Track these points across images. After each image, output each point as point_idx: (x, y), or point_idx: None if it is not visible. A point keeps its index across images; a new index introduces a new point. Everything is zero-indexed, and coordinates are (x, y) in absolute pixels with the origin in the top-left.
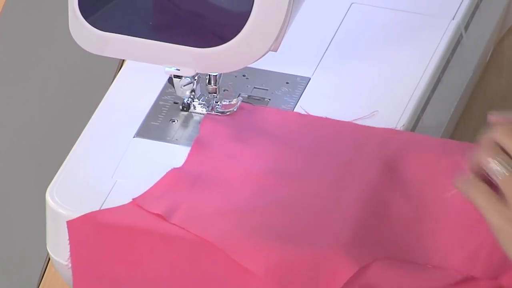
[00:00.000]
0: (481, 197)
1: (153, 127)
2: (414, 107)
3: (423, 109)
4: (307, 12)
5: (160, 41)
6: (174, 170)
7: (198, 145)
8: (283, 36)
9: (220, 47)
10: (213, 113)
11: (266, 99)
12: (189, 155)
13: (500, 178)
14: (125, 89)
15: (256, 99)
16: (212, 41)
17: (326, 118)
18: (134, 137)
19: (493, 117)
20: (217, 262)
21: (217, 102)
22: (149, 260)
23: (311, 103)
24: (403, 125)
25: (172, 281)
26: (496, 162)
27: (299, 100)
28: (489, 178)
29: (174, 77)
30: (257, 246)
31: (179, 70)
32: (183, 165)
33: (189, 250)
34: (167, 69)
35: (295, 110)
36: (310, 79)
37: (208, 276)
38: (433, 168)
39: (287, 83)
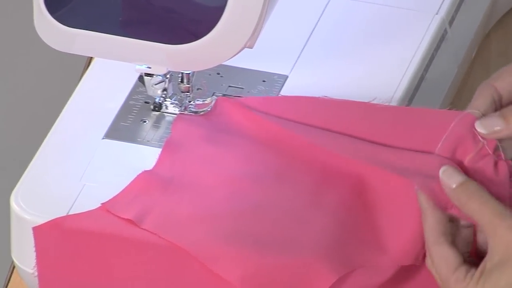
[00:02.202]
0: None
1: (123, 128)
2: (398, 105)
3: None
4: (284, 7)
5: (131, 37)
6: (145, 173)
7: (169, 147)
8: (259, 32)
9: (193, 43)
10: (186, 113)
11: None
12: (159, 157)
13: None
14: (94, 88)
15: None
16: (185, 37)
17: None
18: (103, 138)
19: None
20: (190, 270)
21: (190, 102)
22: (119, 267)
23: None
24: None
25: None
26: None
27: None
28: None
29: (145, 76)
30: (233, 253)
31: (150, 68)
32: (153, 168)
33: (161, 257)
34: (137, 67)
35: None
36: (287, 77)
37: (181, 284)
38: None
39: (263, 81)
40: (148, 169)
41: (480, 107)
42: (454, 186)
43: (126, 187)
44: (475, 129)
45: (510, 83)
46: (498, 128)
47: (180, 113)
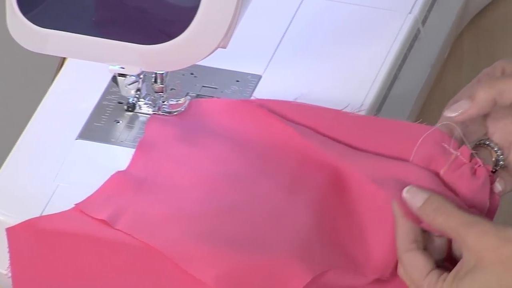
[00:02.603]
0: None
1: (97, 128)
2: (371, 105)
3: (379, 107)
4: (257, 7)
5: (104, 37)
6: (119, 173)
7: (142, 147)
8: (233, 32)
9: (166, 44)
10: (160, 113)
11: (214, 98)
12: (133, 157)
13: None
14: (67, 89)
15: (205, 98)
16: (158, 37)
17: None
18: (76, 139)
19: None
20: (164, 270)
21: (163, 102)
22: (93, 268)
23: None
24: None
25: None
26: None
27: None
28: None
29: (118, 76)
30: (207, 253)
31: (123, 68)
32: (127, 168)
33: (135, 257)
34: (111, 67)
35: None
36: (261, 76)
37: (155, 285)
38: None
39: (237, 81)
40: (122, 169)
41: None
42: (419, 204)
43: (100, 188)
44: (445, 116)
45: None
46: (465, 106)
47: (154, 114)
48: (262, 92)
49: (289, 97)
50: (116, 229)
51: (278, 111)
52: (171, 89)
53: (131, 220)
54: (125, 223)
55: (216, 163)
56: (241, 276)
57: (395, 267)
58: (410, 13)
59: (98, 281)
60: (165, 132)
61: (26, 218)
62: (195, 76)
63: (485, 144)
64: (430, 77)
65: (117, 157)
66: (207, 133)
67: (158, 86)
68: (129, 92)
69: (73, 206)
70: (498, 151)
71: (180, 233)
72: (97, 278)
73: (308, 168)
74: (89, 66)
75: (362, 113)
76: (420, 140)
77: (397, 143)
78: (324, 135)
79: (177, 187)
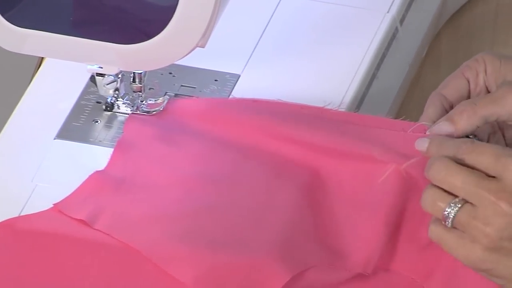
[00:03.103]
0: (445, 240)
1: (75, 128)
2: (349, 105)
3: (358, 106)
4: (236, 6)
5: (82, 37)
6: (97, 173)
7: (121, 147)
8: (211, 31)
9: (145, 43)
10: (138, 112)
11: (194, 98)
12: (111, 157)
13: (450, 222)
14: (45, 89)
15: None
16: (136, 37)
17: (266, 101)
18: (54, 138)
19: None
20: (144, 270)
21: (142, 101)
22: (72, 268)
23: None
24: None
25: None
26: (446, 209)
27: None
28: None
29: (96, 75)
30: (186, 254)
31: (102, 68)
32: (105, 168)
33: (114, 258)
34: (89, 67)
35: None
36: (239, 76)
37: (134, 285)
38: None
39: (216, 80)
40: (101, 169)
41: (432, 116)
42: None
43: (78, 188)
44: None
45: (457, 89)
46: (448, 132)
47: (132, 113)
48: (240, 91)
49: (268, 96)
50: (95, 229)
51: (257, 109)
52: (150, 88)
53: (110, 220)
54: (104, 223)
55: (195, 162)
56: (220, 276)
57: (378, 262)
58: (388, 12)
59: (77, 281)
60: (144, 132)
61: (5, 218)
62: (173, 76)
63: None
64: (408, 76)
65: (95, 156)
66: (186, 132)
67: (136, 85)
68: (108, 91)
69: (52, 206)
70: None
71: (159, 233)
72: (76, 278)
73: (288, 166)
74: (67, 66)
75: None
76: (408, 132)
77: (381, 139)
78: (304, 131)
79: (156, 187)
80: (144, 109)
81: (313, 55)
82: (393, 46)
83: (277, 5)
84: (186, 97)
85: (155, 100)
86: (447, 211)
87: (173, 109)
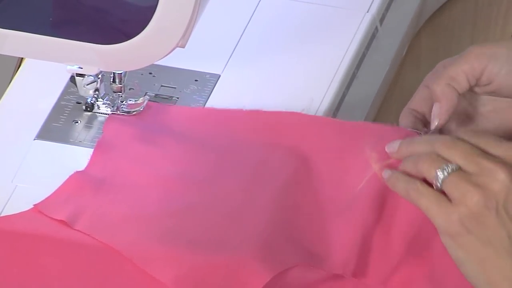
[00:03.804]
0: (427, 198)
1: (55, 128)
2: (329, 105)
3: (338, 107)
4: (216, 6)
5: (61, 37)
6: (77, 173)
7: (101, 147)
8: (191, 32)
9: (124, 43)
10: (118, 113)
11: (174, 98)
12: (91, 157)
13: (440, 181)
14: (25, 89)
15: (163, 97)
16: (116, 37)
17: (239, 110)
18: (34, 139)
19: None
20: (124, 271)
21: (122, 102)
22: (53, 269)
23: (221, 101)
24: None
25: None
26: (439, 169)
27: (209, 98)
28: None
29: (76, 76)
30: (166, 254)
31: (82, 68)
32: (85, 168)
33: (95, 258)
34: (69, 67)
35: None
36: (220, 76)
37: (115, 285)
38: (350, 157)
39: (196, 80)
40: (81, 169)
41: (407, 127)
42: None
43: (59, 188)
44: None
45: (423, 99)
46: (438, 111)
47: (112, 113)
48: (220, 91)
49: (249, 96)
50: (75, 229)
51: (234, 116)
52: (130, 89)
53: (90, 220)
54: (84, 223)
55: (175, 163)
56: (200, 277)
57: (357, 264)
58: (367, 11)
59: (57, 281)
60: (124, 132)
61: None
62: (153, 76)
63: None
64: (389, 76)
65: (76, 157)
66: (167, 133)
67: (116, 86)
68: (88, 92)
69: (32, 206)
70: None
71: (139, 234)
72: (56, 278)
73: (268, 166)
74: (47, 66)
75: (320, 113)
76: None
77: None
78: (283, 135)
79: (136, 187)
80: (124, 110)
81: (293, 55)
82: (373, 46)
83: (257, 5)
84: (166, 102)
85: (135, 101)
86: (439, 172)
87: (154, 111)
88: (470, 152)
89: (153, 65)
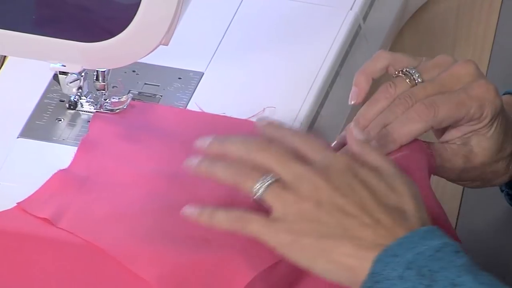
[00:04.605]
0: (256, 222)
1: (38, 126)
2: (312, 102)
3: (321, 104)
4: (199, 4)
5: (44, 35)
6: (61, 171)
7: (85, 145)
8: (175, 29)
9: (107, 41)
10: (102, 111)
11: (158, 96)
12: (75, 156)
13: (260, 194)
14: (8, 87)
15: (147, 95)
16: (99, 35)
17: (219, 115)
18: (18, 137)
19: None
20: (108, 269)
21: (105, 100)
22: (37, 267)
23: (205, 99)
24: (301, 122)
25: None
26: (258, 182)
27: (193, 96)
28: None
29: (59, 74)
30: (150, 252)
31: (65, 66)
32: (69, 166)
33: (79, 256)
34: (52, 65)
35: (188, 107)
36: (203, 74)
37: (99, 283)
38: None
39: (179, 78)
40: (64, 167)
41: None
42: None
43: (42, 186)
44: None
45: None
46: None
47: (97, 112)
48: (204, 89)
49: (231, 93)
50: (59, 227)
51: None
52: (113, 86)
53: (74, 218)
54: (68, 221)
55: (159, 161)
56: (184, 274)
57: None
58: (351, 9)
59: (41, 280)
60: (108, 131)
61: None
62: (137, 74)
63: (408, 72)
64: None
65: (59, 155)
66: (150, 132)
67: (100, 84)
68: (71, 90)
69: (15, 205)
70: (418, 79)
71: (123, 232)
72: (40, 277)
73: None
74: (30, 64)
75: (304, 110)
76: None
77: None
78: None
79: (120, 185)
80: (108, 107)
81: (277, 53)
82: (356, 43)
83: (240, 2)
84: (149, 100)
85: (119, 98)
86: (257, 185)
87: (138, 110)
88: (284, 156)
89: (136, 63)
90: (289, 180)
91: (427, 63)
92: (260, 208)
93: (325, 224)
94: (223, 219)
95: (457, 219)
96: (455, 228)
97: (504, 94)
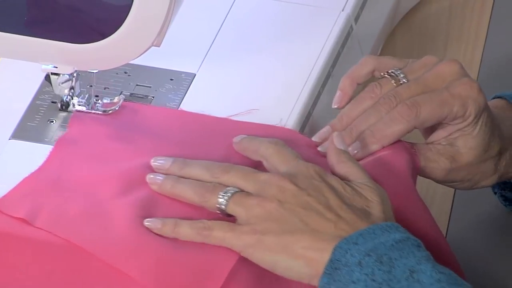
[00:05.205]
0: (220, 229)
1: (30, 128)
2: (304, 103)
3: (313, 105)
4: (191, 5)
5: (36, 37)
6: (36, 171)
7: (61, 144)
8: (166, 30)
9: (99, 42)
10: (93, 111)
11: (149, 97)
12: (50, 154)
13: (225, 205)
14: None
15: (139, 97)
16: (91, 36)
17: (206, 115)
18: (10, 139)
19: None
20: (87, 266)
21: (97, 101)
22: (15, 266)
23: (196, 100)
24: (293, 123)
25: (41, 287)
26: (220, 194)
27: (184, 97)
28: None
29: (51, 74)
30: (130, 247)
31: (57, 67)
32: (42, 165)
33: (58, 254)
34: (44, 66)
35: (180, 108)
36: (195, 75)
37: (79, 280)
38: None
39: (171, 79)
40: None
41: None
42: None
43: (16, 186)
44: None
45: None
46: (355, 151)
47: (76, 111)
48: (196, 90)
49: (223, 95)
50: (35, 227)
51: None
52: (105, 88)
53: (51, 217)
54: (45, 220)
55: (135, 158)
56: (165, 267)
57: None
58: (343, 10)
59: (20, 279)
60: (85, 129)
61: None
62: (129, 75)
63: (394, 73)
64: None
65: None
66: (131, 131)
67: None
68: (63, 91)
69: None
70: (403, 80)
71: (100, 228)
72: (18, 276)
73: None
74: (22, 65)
75: (296, 112)
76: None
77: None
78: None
79: (96, 182)
80: (100, 109)
81: (269, 54)
82: (348, 44)
83: (233, 3)
84: (141, 101)
85: (111, 100)
86: (220, 198)
87: (127, 110)
88: (247, 172)
89: (128, 64)
90: (253, 189)
91: (413, 64)
92: (229, 220)
93: (288, 221)
94: (187, 230)
95: (449, 220)
96: (447, 228)
97: (493, 98)
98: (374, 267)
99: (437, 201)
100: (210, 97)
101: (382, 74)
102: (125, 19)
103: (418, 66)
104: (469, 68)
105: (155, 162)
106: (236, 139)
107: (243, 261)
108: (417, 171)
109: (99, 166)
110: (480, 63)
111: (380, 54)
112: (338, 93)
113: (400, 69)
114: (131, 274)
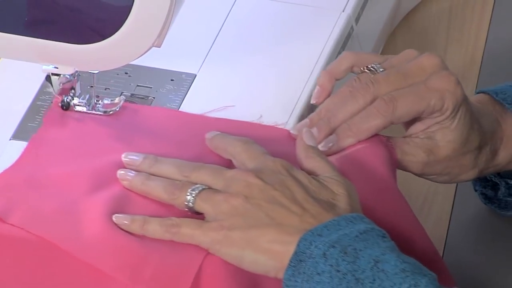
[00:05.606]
0: (188, 226)
1: (31, 128)
2: (304, 104)
3: (314, 106)
4: (191, 5)
5: (36, 37)
6: (9, 168)
7: (35, 141)
8: (167, 31)
9: (100, 43)
10: (94, 112)
11: (150, 98)
12: (23, 151)
13: (193, 203)
14: (0, 90)
15: (139, 97)
16: (92, 37)
17: (206, 116)
18: (10, 139)
19: None
20: (61, 263)
21: (98, 101)
22: None
23: (197, 101)
24: (293, 124)
25: (17, 285)
26: (189, 192)
27: (185, 98)
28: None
29: (52, 75)
30: (106, 243)
31: (57, 68)
32: (16, 162)
33: (31, 252)
34: (44, 67)
35: (181, 108)
36: (196, 75)
37: (52, 277)
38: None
39: (172, 80)
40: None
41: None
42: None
43: None
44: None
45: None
46: (330, 144)
47: (51, 108)
48: (197, 90)
49: (224, 95)
50: (9, 224)
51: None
52: (106, 88)
53: (25, 214)
54: (18, 217)
55: (111, 154)
56: (138, 263)
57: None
58: (343, 11)
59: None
60: (62, 126)
61: None
62: (129, 76)
63: (373, 67)
64: None
65: None
66: (109, 127)
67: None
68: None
69: None
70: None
71: (75, 226)
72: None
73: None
74: (22, 66)
75: (296, 112)
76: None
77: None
78: None
79: (69, 179)
80: (100, 109)
81: (269, 54)
82: (348, 45)
83: (233, 4)
84: (142, 101)
85: (111, 100)
86: (188, 196)
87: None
88: (215, 169)
89: (128, 65)
90: (220, 185)
91: (392, 59)
92: (198, 218)
93: (254, 216)
94: (156, 227)
95: (450, 220)
96: (448, 228)
97: (478, 93)
98: (339, 258)
99: (438, 200)
100: (210, 97)
101: (361, 69)
102: (125, 19)
103: (398, 60)
104: (470, 68)
105: (125, 158)
106: (208, 135)
107: (214, 257)
108: (395, 164)
109: (74, 163)
110: (481, 63)
111: (381, 55)
112: (316, 88)
113: (379, 63)
114: (105, 270)
